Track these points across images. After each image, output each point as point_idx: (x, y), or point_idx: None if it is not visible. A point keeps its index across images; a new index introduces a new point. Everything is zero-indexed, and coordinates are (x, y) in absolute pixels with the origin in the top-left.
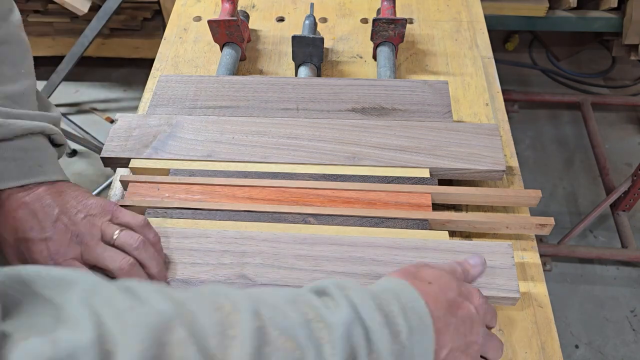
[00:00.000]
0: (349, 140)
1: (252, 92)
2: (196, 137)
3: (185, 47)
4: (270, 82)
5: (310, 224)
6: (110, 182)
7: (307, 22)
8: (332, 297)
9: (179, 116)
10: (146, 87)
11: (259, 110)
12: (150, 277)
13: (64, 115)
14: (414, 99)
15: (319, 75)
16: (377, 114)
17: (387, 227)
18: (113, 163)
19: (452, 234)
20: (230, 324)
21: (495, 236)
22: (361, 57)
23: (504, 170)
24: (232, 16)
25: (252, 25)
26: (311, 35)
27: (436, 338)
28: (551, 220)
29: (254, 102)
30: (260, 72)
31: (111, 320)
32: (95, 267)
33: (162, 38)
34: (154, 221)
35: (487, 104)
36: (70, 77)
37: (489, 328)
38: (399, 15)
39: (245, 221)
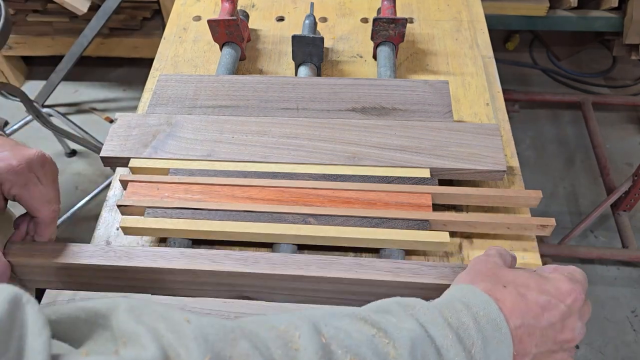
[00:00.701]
0: (349, 140)
1: (252, 92)
2: (196, 137)
3: (184, 47)
4: (270, 82)
5: (310, 224)
6: (110, 182)
7: (307, 21)
8: (396, 315)
9: (179, 115)
10: (145, 86)
11: (259, 109)
12: None
13: (64, 115)
14: (415, 99)
15: (319, 74)
16: (378, 114)
17: (387, 227)
18: (112, 163)
19: (453, 234)
20: (291, 340)
21: (495, 237)
22: (361, 57)
23: (504, 171)
24: (232, 16)
25: (251, 24)
26: (311, 35)
27: (515, 347)
28: (552, 221)
29: (253, 102)
30: (260, 72)
31: (170, 334)
32: None
33: (161, 38)
34: (154, 221)
35: (487, 104)
36: (69, 77)
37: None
38: (399, 14)
39: (245, 221)
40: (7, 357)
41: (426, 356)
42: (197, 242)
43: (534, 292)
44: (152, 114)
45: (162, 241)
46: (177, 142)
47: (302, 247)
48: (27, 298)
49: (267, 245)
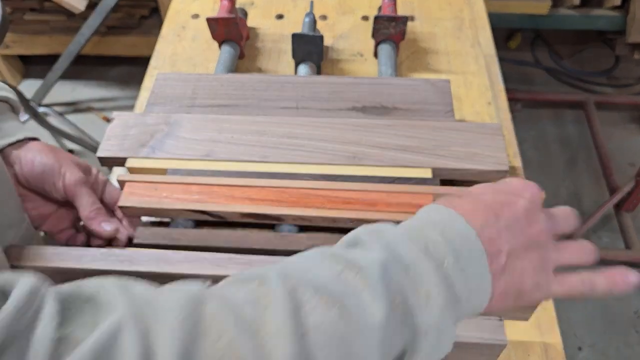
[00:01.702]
0: (350, 140)
1: (251, 91)
2: (194, 136)
3: (183, 45)
4: (270, 81)
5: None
6: None
7: (306, 19)
8: (364, 244)
9: (177, 115)
10: (143, 85)
11: (258, 109)
12: None
13: (61, 114)
14: (416, 98)
15: (319, 73)
16: (378, 113)
17: None
18: (110, 162)
19: None
20: (262, 294)
21: None
22: (362, 55)
23: (507, 171)
24: (231, 13)
25: (250, 22)
26: (311, 33)
27: (487, 248)
28: None
29: (253, 101)
30: (259, 70)
31: (144, 304)
32: None
33: (159, 36)
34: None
35: (489, 103)
36: (66, 76)
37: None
38: (400, 12)
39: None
40: (13, 339)
41: (396, 277)
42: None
43: (489, 195)
44: (150, 113)
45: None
46: (175, 142)
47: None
48: (45, 285)
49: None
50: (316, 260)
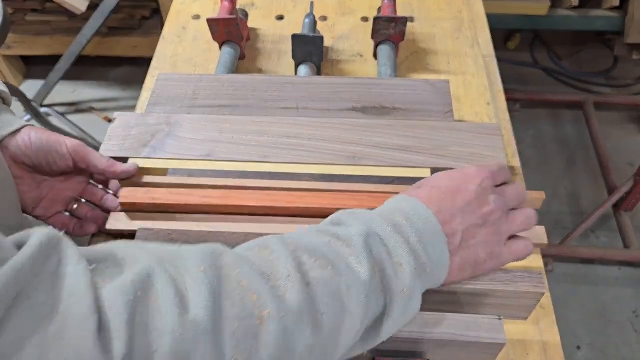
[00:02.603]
0: (350, 140)
1: (251, 91)
2: (195, 137)
3: (184, 46)
4: (270, 81)
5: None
6: None
7: (307, 20)
8: (345, 223)
9: (178, 115)
10: (144, 86)
11: (259, 109)
12: None
13: (62, 114)
14: (415, 98)
15: (319, 74)
16: (378, 114)
17: None
18: None
19: None
20: (267, 254)
21: None
22: (361, 56)
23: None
24: (231, 14)
25: (251, 23)
26: (311, 34)
27: (444, 229)
28: (544, 239)
29: (253, 101)
30: (260, 71)
31: (166, 256)
32: None
33: (160, 37)
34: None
35: (488, 104)
36: (68, 77)
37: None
38: (399, 13)
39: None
40: (41, 279)
41: (375, 248)
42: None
43: (444, 182)
44: (151, 113)
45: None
46: (176, 142)
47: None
48: (64, 236)
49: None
50: (307, 233)
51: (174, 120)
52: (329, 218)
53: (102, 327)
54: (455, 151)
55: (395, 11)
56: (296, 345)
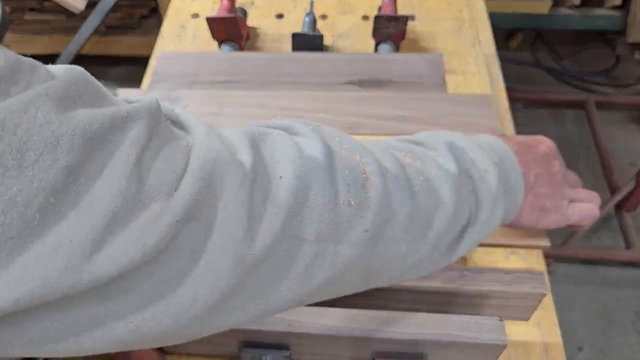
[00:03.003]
0: (347, 112)
1: (251, 67)
2: (196, 110)
3: (183, 45)
4: (269, 57)
5: None
6: None
7: (307, 19)
8: (424, 139)
9: (179, 90)
10: (142, 86)
11: (258, 84)
12: None
13: None
14: (410, 72)
15: None
16: (374, 86)
17: None
18: None
19: None
20: (363, 149)
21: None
22: None
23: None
24: (231, 13)
25: (250, 22)
26: (311, 33)
27: (521, 165)
28: (546, 242)
29: (252, 77)
30: None
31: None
32: None
33: (158, 36)
34: None
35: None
36: None
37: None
38: (400, 12)
39: None
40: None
41: (459, 155)
42: None
43: (516, 138)
44: (153, 90)
45: None
46: None
47: None
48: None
49: None
50: (391, 141)
51: (175, 96)
52: (407, 137)
53: (229, 142)
54: (450, 120)
55: (395, 10)
56: (397, 209)
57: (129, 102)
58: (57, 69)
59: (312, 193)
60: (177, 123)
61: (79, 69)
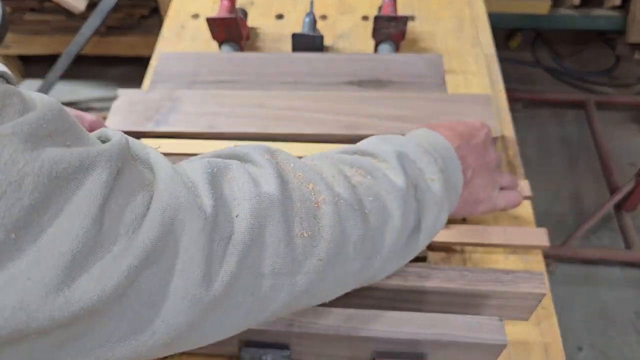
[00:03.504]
0: (346, 111)
1: (251, 67)
2: (197, 110)
3: (183, 45)
4: (269, 58)
5: None
6: None
7: (307, 19)
8: (377, 144)
9: (180, 90)
10: (142, 86)
11: (258, 84)
12: None
13: None
14: (410, 72)
15: None
16: (374, 86)
17: None
18: None
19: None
20: (310, 164)
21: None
22: None
23: (497, 137)
24: (231, 13)
25: (250, 22)
26: (311, 33)
27: (461, 162)
28: (546, 242)
29: (253, 77)
30: None
31: (228, 151)
32: None
33: (159, 36)
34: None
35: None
36: (66, 76)
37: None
38: (400, 12)
39: None
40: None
41: (408, 164)
42: None
43: (458, 127)
44: (153, 89)
45: None
46: (179, 116)
47: None
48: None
49: None
50: (341, 152)
51: (175, 96)
52: (360, 142)
53: (191, 185)
54: (448, 120)
55: (395, 10)
56: (350, 233)
57: (101, 138)
58: (34, 98)
59: (267, 230)
60: (146, 163)
61: (53, 103)
